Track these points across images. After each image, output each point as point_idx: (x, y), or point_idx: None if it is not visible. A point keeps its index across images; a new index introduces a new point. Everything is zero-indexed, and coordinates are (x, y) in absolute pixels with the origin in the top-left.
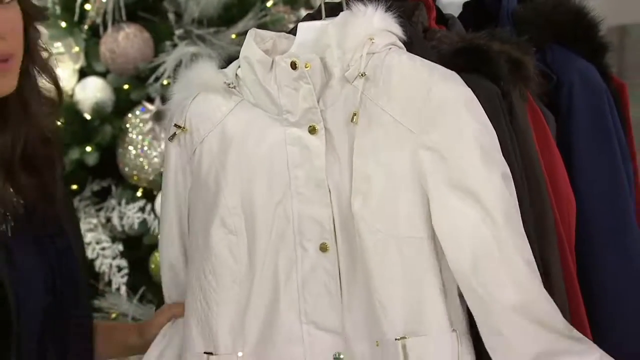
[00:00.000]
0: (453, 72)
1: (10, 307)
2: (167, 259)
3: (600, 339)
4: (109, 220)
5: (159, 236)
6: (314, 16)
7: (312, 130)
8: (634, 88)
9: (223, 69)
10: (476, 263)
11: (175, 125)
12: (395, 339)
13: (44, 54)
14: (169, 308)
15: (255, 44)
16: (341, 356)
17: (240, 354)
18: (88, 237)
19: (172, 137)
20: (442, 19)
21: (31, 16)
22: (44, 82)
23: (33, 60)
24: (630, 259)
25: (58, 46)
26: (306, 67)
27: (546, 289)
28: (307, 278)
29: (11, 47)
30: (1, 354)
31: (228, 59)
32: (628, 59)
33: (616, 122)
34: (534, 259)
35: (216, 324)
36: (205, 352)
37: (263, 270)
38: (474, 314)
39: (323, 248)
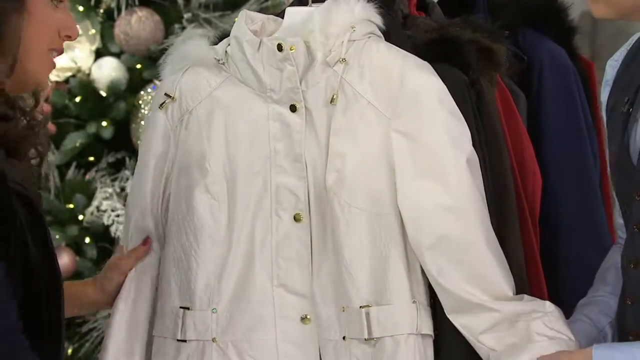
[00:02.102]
0: (425, 62)
1: (59, 280)
2: (134, 219)
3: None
4: (123, 189)
5: (129, 195)
6: (302, 1)
7: (293, 108)
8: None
9: (214, 46)
10: (435, 242)
11: (166, 94)
12: (360, 307)
13: None
14: (118, 262)
15: (245, 25)
16: (308, 317)
17: (214, 310)
18: (104, 204)
19: (161, 105)
20: (423, 4)
21: None
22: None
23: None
24: (595, 231)
25: None
26: (291, 50)
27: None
28: (281, 244)
29: None
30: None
31: (221, 36)
32: (600, 42)
33: (583, 100)
34: (496, 241)
35: (194, 281)
36: (181, 307)
37: (241, 235)
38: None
39: (297, 218)
